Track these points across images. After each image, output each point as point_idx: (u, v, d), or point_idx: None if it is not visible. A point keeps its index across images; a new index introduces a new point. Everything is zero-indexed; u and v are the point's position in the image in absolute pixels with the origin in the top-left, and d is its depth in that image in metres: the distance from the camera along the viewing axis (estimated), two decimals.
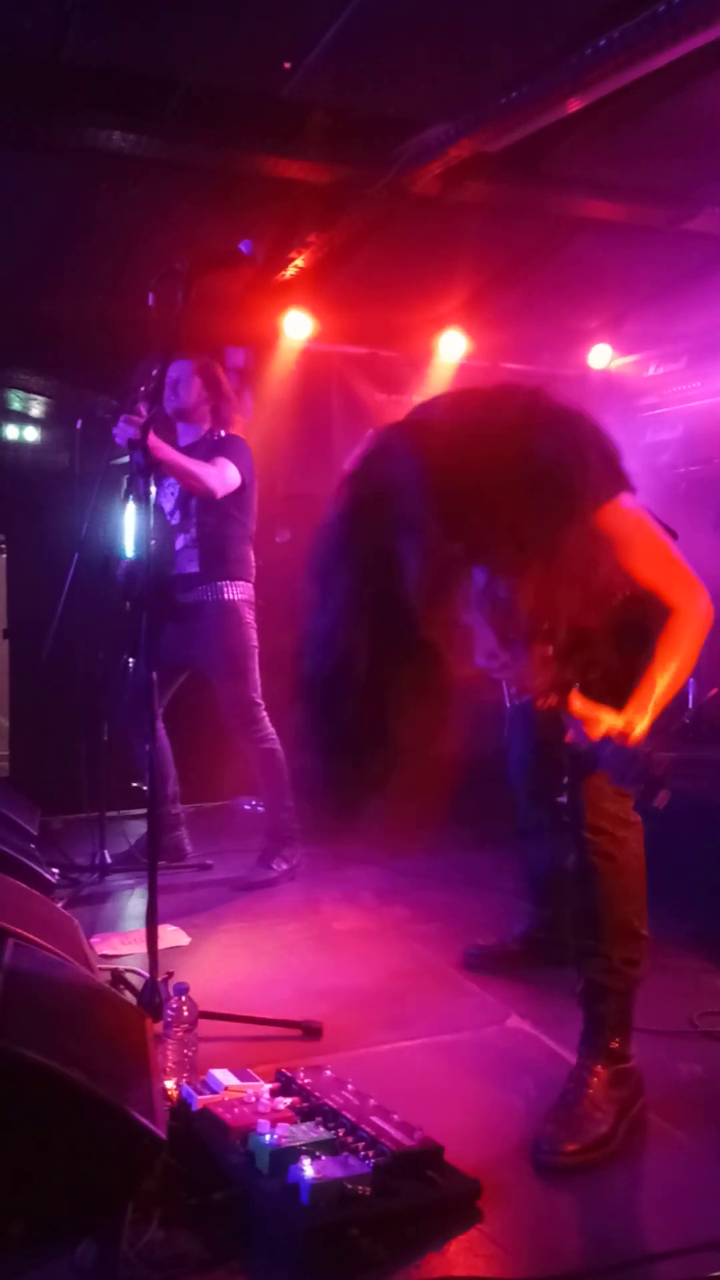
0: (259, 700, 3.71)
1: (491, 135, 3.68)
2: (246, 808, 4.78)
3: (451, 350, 5.47)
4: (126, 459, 3.67)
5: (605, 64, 3.17)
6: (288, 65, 3.39)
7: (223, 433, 3.76)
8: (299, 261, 4.75)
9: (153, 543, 2.79)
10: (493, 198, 4.22)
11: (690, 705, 4.49)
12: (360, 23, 3.18)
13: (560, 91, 3.36)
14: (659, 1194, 1.88)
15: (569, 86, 3.32)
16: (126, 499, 3.75)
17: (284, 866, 3.71)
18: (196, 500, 3.69)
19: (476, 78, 3.49)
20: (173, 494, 3.79)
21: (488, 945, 2.87)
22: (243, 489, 3.70)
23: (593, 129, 3.85)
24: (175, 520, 3.79)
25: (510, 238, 4.78)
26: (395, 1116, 1.87)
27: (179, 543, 3.77)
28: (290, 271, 4.85)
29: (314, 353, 5.34)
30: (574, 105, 3.46)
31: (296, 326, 5.16)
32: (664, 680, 1.90)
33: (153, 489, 2.78)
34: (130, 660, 3.73)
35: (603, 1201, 1.85)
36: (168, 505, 3.80)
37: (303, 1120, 1.87)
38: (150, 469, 2.84)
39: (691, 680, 4.59)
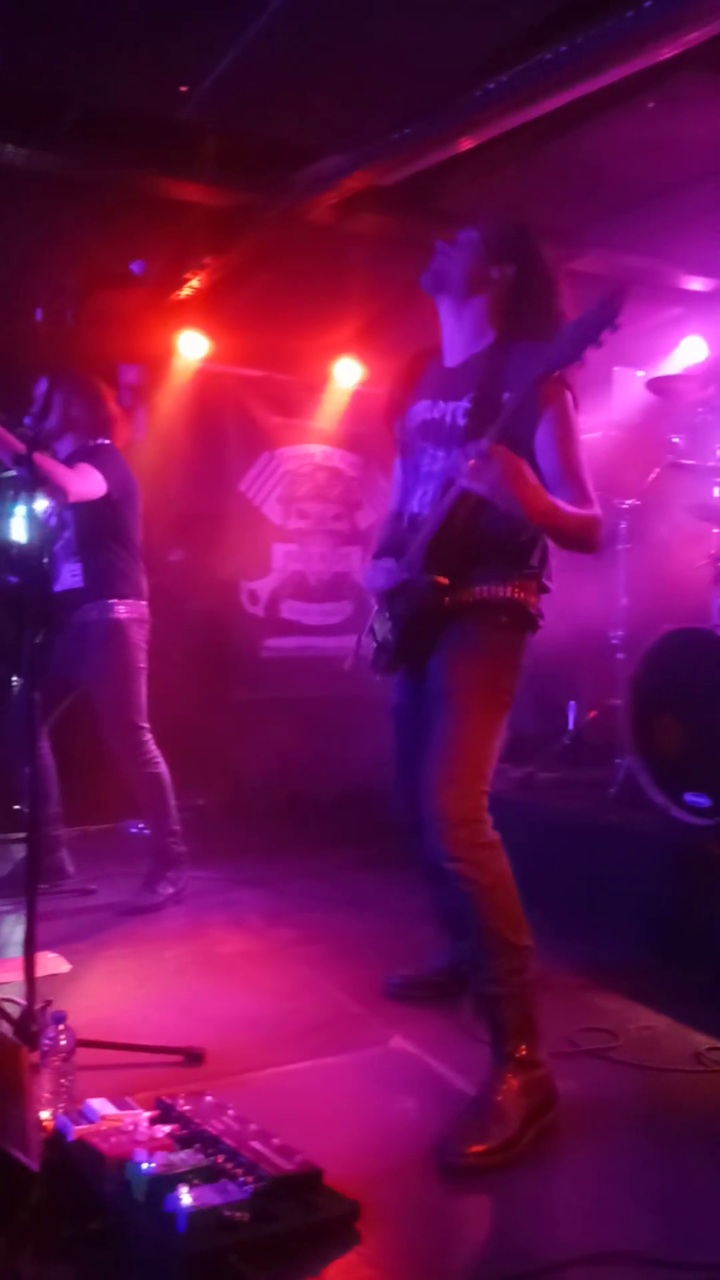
0: (143, 723, 3.66)
1: (385, 169, 3.77)
2: (133, 831, 4.70)
3: (347, 376, 5.53)
4: (13, 473, 3.60)
5: (495, 106, 3.29)
6: (184, 89, 3.41)
7: (97, 441, 3.72)
8: (194, 282, 4.76)
9: (43, 560, 2.74)
10: (385, 229, 4.31)
11: (571, 727, 4.62)
12: (257, 51, 3.22)
13: (452, 130, 3.47)
14: (539, 1207, 1.92)
15: (460, 126, 3.43)
16: (11, 514, 3.67)
17: (169, 890, 3.66)
18: (73, 511, 3.62)
19: (371, 112, 3.58)
20: (54, 507, 3.73)
21: (409, 976, 2.83)
22: (115, 502, 3.63)
23: (482, 167, 3.99)
24: (55, 532, 3.72)
25: (404, 269, 4.86)
26: (275, 1141, 1.86)
27: (59, 555, 3.70)
28: (186, 292, 4.85)
29: (209, 373, 5.35)
30: (465, 144, 3.58)
31: (192, 346, 5.16)
32: (565, 514, 2.07)
33: (40, 504, 2.73)
34: (15, 679, 3.64)
35: (483, 1217, 1.88)
36: (49, 518, 3.73)
37: (181, 1147, 1.85)
38: (36, 484, 2.79)
39: (572, 703, 4.75)
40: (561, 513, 2.05)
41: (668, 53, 2.92)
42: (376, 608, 2.45)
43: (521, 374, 2.10)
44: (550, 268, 2.33)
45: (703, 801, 3.37)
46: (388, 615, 2.38)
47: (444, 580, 2.21)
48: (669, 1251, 1.68)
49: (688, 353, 5.26)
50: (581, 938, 3.19)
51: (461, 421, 2.26)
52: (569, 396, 2.18)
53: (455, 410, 2.30)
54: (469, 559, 2.22)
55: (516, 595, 2.24)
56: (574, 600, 4.58)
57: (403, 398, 2.49)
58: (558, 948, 3.09)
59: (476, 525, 2.18)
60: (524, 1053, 2.10)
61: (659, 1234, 1.77)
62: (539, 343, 2.12)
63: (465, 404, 2.27)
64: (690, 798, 3.41)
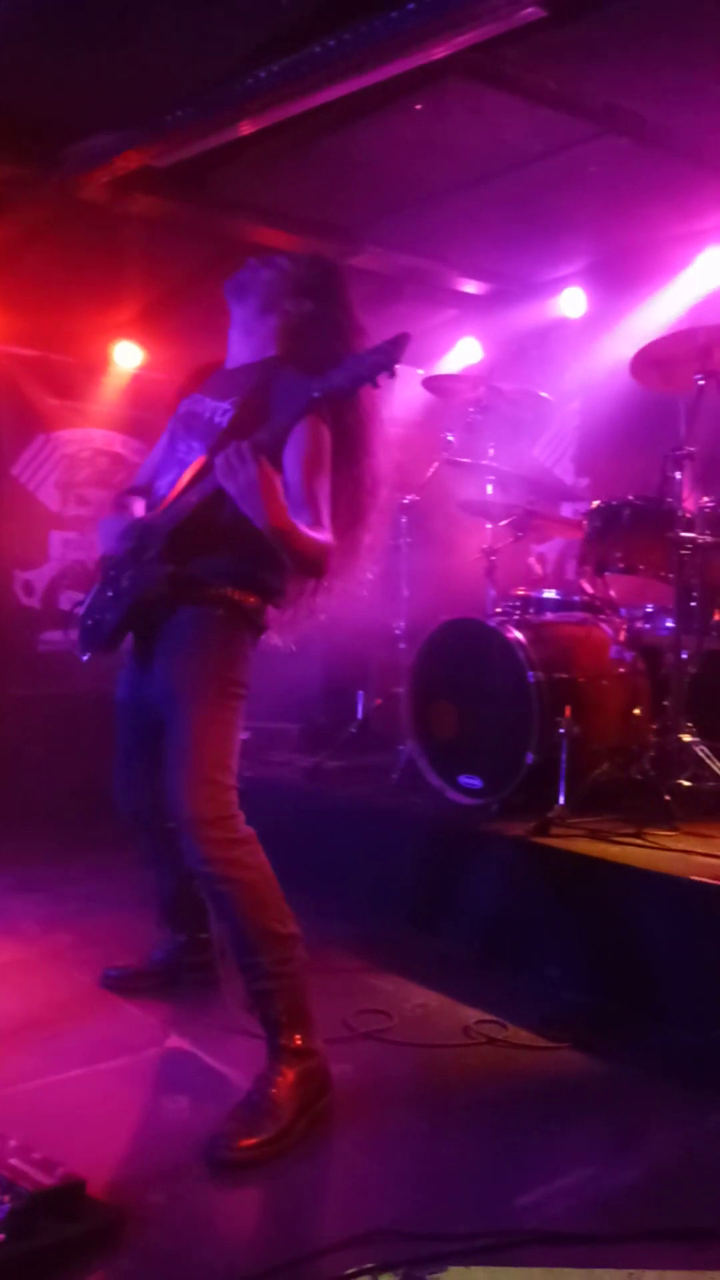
0: None
1: (159, 150, 3.69)
2: None
3: (127, 359, 5.38)
4: None
5: (267, 94, 3.28)
6: None
7: None
8: None
9: None
10: (162, 213, 4.22)
11: (360, 715, 4.70)
12: (24, 18, 3.07)
13: (224, 116, 3.43)
14: (308, 1195, 1.94)
15: (232, 112, 3.40)
16: None
17: None
18: None
19: (142, 92, 3.48)
20: None
21: (127, 967, 2.80)
22: None
23: (261, 157, 3.96)
24: None
25: (184, 255, 4.79)
26: (36, 1155, 1.78)
27: None
28: None
29: None
30: (241, 130, 3.55)
31: None
32: (300, 535, 2.09)
33: None
34: None
35: (253, 1210, 1.88)
36: None
37: None
38: None
39: (361, 693, 4.84)
40: (297, 532, 2.09)
41: (434, 55, 3.00)
42: (99, 581, 2.42)
43: (292, 395, 2.15)
44: (347, 313, 2.39)
45: (475, 783, 3.51)
46: (110, 592, 2.36)
47: (178, 570, 2.22)
48: (431, 1224, 1.73)
49: (463, 354, 5.45)
50: (363, 921, 3.26)
51: (220, 421, 2.31)
52: (325, 427, 2.21)
53: (217, 409, 2.34)
54: (206, 552, 2.24)
55: (239, 595, 2.27)
56: (363, 594, 4.70)
57: (187, 388, 2.53)
58: (341, 932, 3.15)
59: (220, 522, 2.19)
60: (298, 1043, 2.12)
61: (423, 1208, 1.82)
62: (313, 375, 2.16)
63: (227, 406, 2.32)
64: (465, 780, 3.55)
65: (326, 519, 2.18)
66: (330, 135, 3.79)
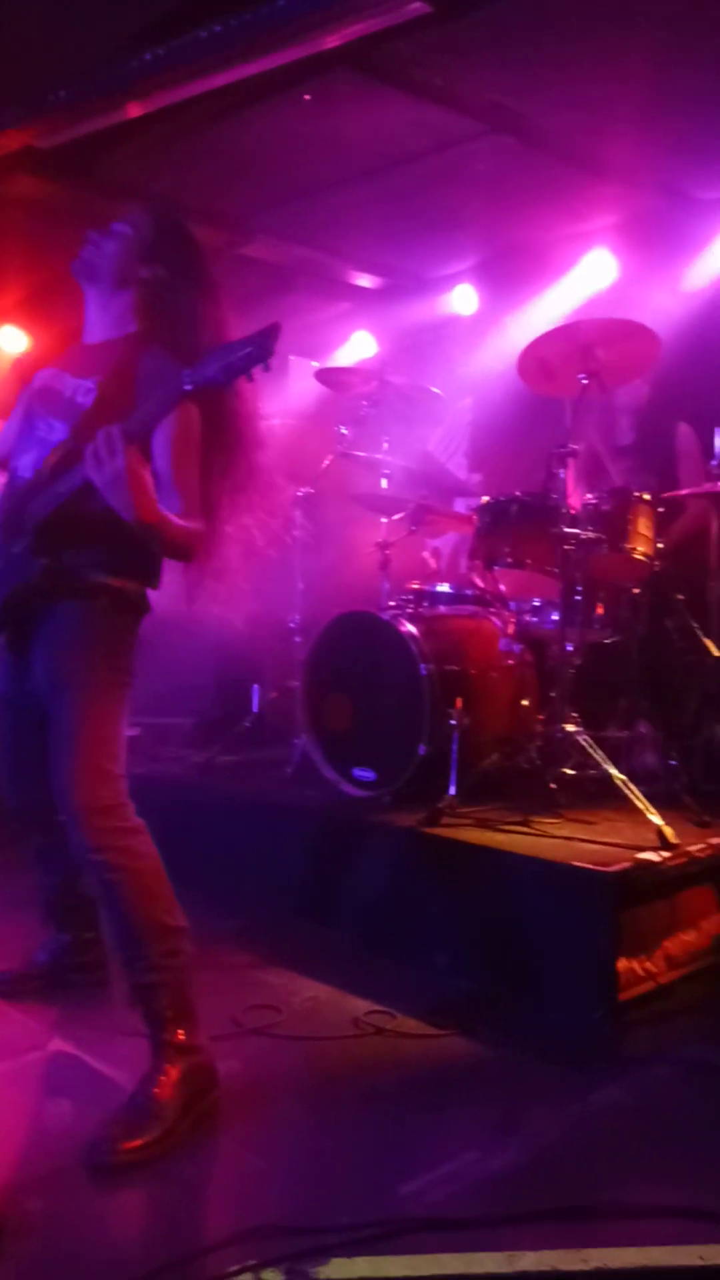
0: None
1: (42, 131, 3.59)
2: None
3: (10, 344, 5.24)
4: None
5: (153, 78, 3.23)
6: None
7: None
8: None
9: None
10: (45, 195, 4.11)
11: (254, 709, 4.67)
12: None
13: (110, 97, 3.36)
14: (193, 1194, 1.91)
15: (118, 94, 3.33)
16: None
17: None
18: None
19: (27, 70, 3.38)
20: None
21: (9, 970, 2.73)
22: None
23: (150, 142, 3.90)
24: None
25: (70, 240, 4.67)
26: None
27: None
28: None
29: None
30: (128, 113, 3.48)
31: None
32: (170, 525, 2.06)
33: None
34: None
35: (135, 1213, 1.85)
36: None
37: None
38: None
39: (256, 686, 4.81)
40: (166, 524, 2.06)
41: (320, 46, 3.00)
42: None
43: (160, 381, 2.09)
44: (204, 273, 2.32)
45: (369, 775, 3.53)
46: None
47: (53, 562, 2.17)
48: (316, 1217, 1.73)
49: (357, 347, 5.47)
50: (255, 916, 3.24)
51: (82, 400, 2.24)
52: (195, 414, 2.16)
53: (79, 388, 2.27)
54: (80, 543, 2.19)
55: (119, 583, 2.23)
56: (256, 585, 4.67)
57: (45, 360, 2.46)
58: (233, 928, 3.12)
59: (92, 512, 2.14)
60: (182, 1038, 2.09)
61: (308, 1201, 1.82)
62: (181, 358, 2.12)
63: (90, 385, 2.25)
64: (358, 772, 3.56)
65: (197, 505, 2.15)
66: (219, 123, 3.76)
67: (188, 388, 2.01)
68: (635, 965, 2.64)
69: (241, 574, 2.32)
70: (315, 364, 4.98)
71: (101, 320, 2.34)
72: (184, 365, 2.04)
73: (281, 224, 4.63)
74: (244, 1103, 2.15)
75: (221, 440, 2.22)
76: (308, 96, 3.48)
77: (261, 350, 1.92)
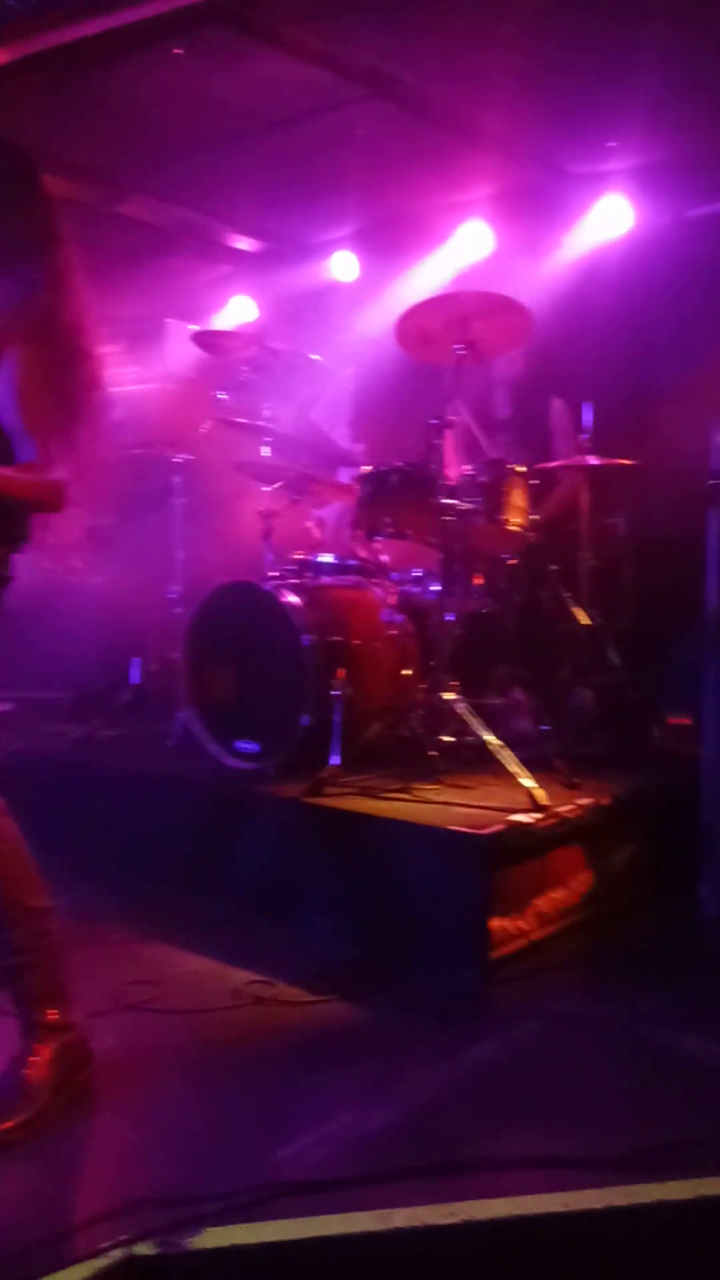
0: None
1: None
2: None
3: None
4: None
5: (15, 24, 3.08)
6: None
7: None
8: None
9: None
10: None
11: (135, 682, 4.60)
12: None
13: None
14: (69, 1173, 1.89)
15: None
16: None
17: None
18: None
19: None
20: None
21: None
22: None
23: (15, 93, 3.72)
24: None
25: None
26: None
27: None
28: None
29: None
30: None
31: None
32: (15, 482, 1.98)
33: None
34: None
35: (8, 1195, 1.82)
36: None
37: None
38: None
39: (136, 659, 4.73)
40: (16, 481, 1.98)
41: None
42: None
43: None
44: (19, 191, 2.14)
45: (252, 747, 3.52)
46: None
47: None
48: (193, 1187, 1.74)
49: (237, 311, 5.38)
50: (137, 892, 3.21)
51: None
52: (30, 350, 2.04)
53: None
54: None
55: None
56: (134, 555, 4.57)
57: None
58: (114, 904, 3.09)
59: None
60: (53, 1017, 2.06)
61: (185, 1172, 1.82)
62: None
63: None
64: (241, 744, 3.55)
65: (52, 448, 2.03)
66: (88, 74, 3.62)
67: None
68: (508, 924, 2.72)
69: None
70: (194, 327, 4.88)
71: None
72: None
73: (157, 183, 4.50)
74: (121, 1078, 2.14)
75: (59, 375, 2.09)
76: (179, 51, 3.38)
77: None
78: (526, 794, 2.94)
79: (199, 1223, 1.63)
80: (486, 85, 3.71)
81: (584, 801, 3.04)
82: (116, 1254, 1.56)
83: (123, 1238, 1.60)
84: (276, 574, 3.89)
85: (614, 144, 4.19)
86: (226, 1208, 1.66)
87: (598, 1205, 1.67)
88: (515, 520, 3.50)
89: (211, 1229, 1.62)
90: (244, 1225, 1.63)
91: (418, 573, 3.82)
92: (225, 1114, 2.05)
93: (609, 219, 4.51)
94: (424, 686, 3.53)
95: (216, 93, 3.75)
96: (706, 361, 4.13)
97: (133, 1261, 1.56)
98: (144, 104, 3.84)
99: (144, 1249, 1.58)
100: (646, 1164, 1.79)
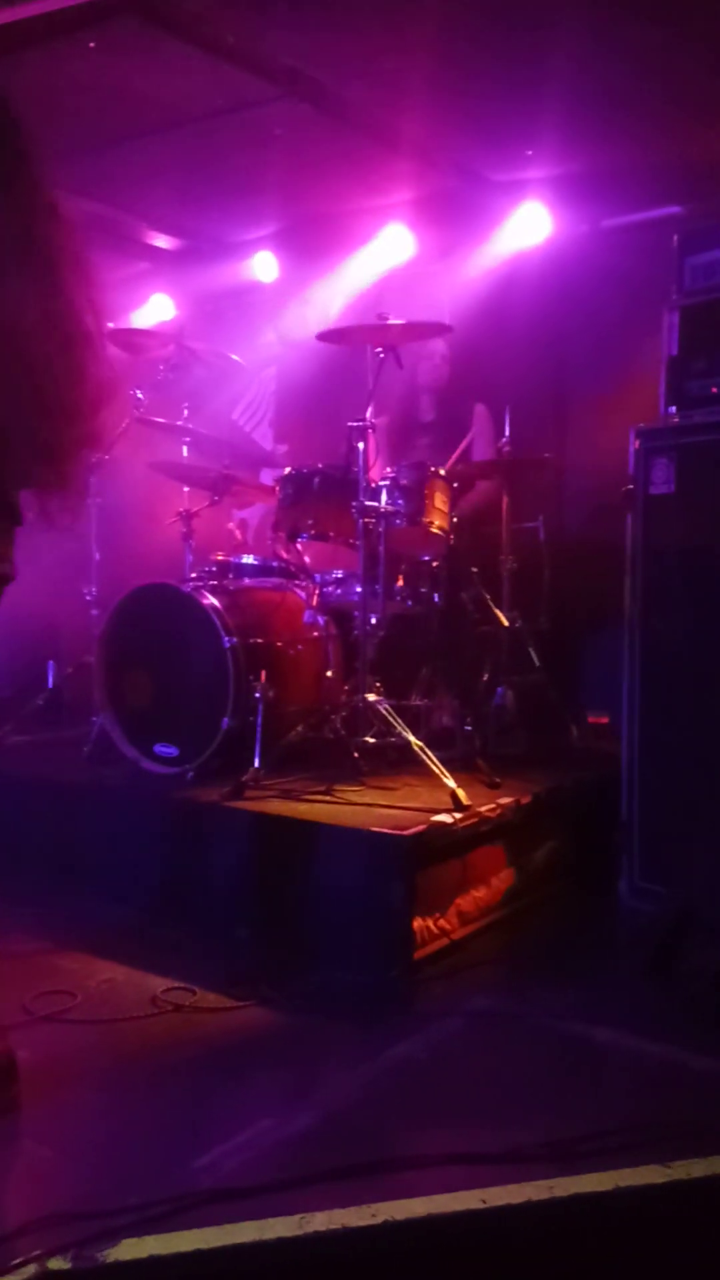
0: None
1: None
2: None
3: None
4: None
5: None
6: None
7: None
8: None
9: None
10: None
11: (49, 686, 4.51)
12: None
13: None
14: None
15: None
16: None
17: None
18: None
19: None
20: None
21: None
22: None
23: None
24: None
25: None
26: None
27: None
28: None
29: None
30: None
31: None
32: None
33: None
34: None
35: None
36: None
37: None
38: None
39: (51, 662, 4.64)
40: None
41: None
42: None
43: None
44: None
45: (171, 751, 3.47)
46: None
47: None
48: (107, 1200, 1.70)
49: (155, 310, 5.31)
50: (50, 902, 3.13)
51: None
52: None
53: None
54: None
55: None
56: (50, 556, 4.47)
57: None
58: (26, 915, 3.01)
59: None
60: None
61: (101, 1185, 1.78)
62: None
63: None
64: (160, 749, 3.49)
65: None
66: None
67: None
68: (430, 923, 2.73)
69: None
70: (110, 325, 4.80)
71: None
72: None
73: (71, 176, 4.40)
74: (36, 1091, 2.07)
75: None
76: (93, 44, 3.32)
77: None
78: (449, 794, 2.95)
79: (114, 1235, 1.59)
80: (404, 90, 3.72)
81: (505, 800, 3.07)
82: (30, 1269, 1.52)
83: (36, 1253, 1.55)
84: (196, 575, 3.84)
85: (531, 152, 4.25)
86: (142, 1219, 1.63)
87: (516, 1200, 1.68)
88: (437, 522, 3.52)
89: (127, 1240, 1.58)
90: (160, 1236, 1.60)
91: (339, 574, 3.81)
92: (142, 1124, 2.01)
93: (528, 226, 4.56)
94: (347, 688, 3.52)
95: (130, 86, 3.69)
96: (623, 369, 4.21)
97: (47, 1276, 1.52)
98: (55, 95, 3.75)
99: (58, 1263, 1.53)
100: (564, 1156, 1.81)
